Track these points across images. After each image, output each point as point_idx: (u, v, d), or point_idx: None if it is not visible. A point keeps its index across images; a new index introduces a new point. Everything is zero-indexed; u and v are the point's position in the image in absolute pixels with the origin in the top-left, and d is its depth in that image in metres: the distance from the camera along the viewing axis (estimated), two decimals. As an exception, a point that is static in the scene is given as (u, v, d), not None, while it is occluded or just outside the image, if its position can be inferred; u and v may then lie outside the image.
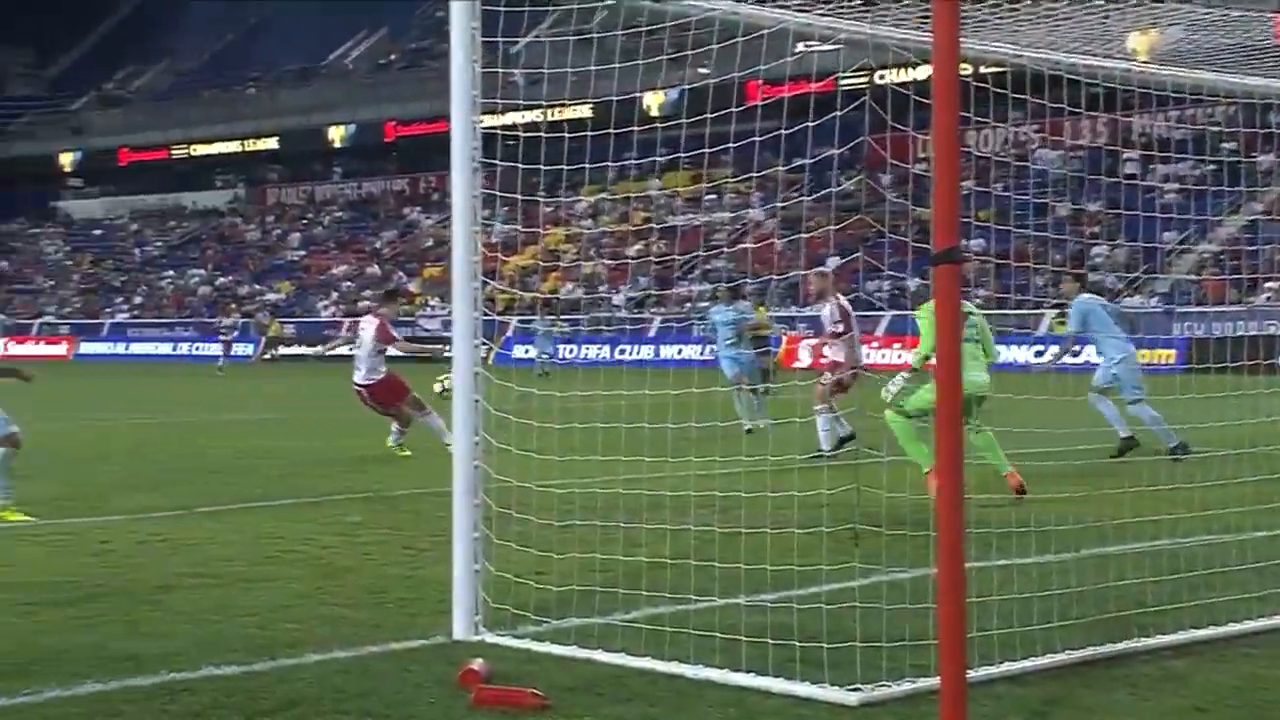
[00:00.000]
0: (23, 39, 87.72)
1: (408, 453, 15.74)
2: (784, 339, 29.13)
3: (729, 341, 19.12)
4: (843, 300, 15.58)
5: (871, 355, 35.28)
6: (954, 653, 4.30)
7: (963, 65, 4.87)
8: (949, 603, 4.33)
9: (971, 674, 5.34)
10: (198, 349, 58.26)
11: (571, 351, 41.97)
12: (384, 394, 16.06)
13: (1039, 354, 36.18)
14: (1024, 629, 6.39)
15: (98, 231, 79.78)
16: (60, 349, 61.17)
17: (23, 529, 10.47)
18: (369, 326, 16.30)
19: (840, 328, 15.09)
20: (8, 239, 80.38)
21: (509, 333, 44.94)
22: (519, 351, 42.68)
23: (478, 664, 5.93)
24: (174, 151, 78.24)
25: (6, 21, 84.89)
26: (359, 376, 16.07)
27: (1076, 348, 14.68)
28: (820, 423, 14.96)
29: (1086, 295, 15.07)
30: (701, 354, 41.48)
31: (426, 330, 54.93)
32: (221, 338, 48.99)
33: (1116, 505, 9.07)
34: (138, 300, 68.12)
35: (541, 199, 8.13)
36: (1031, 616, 6.57)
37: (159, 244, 75.61)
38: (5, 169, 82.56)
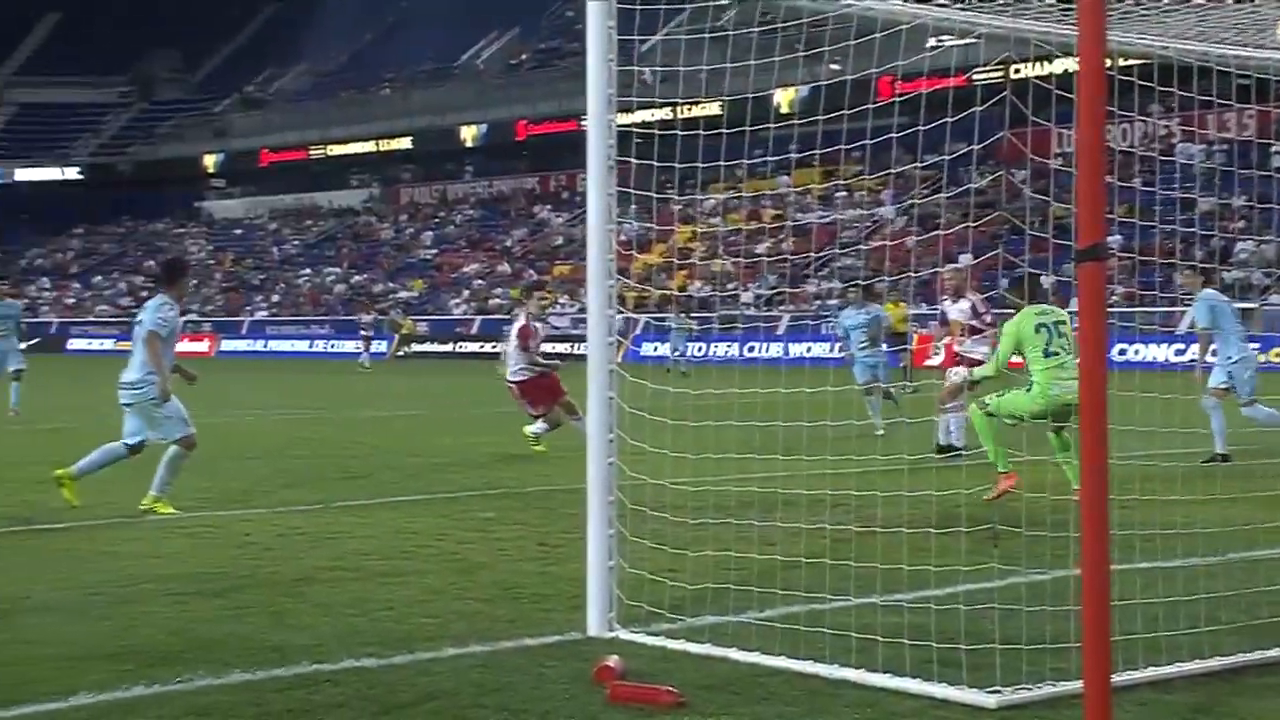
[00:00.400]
0: (171, 44, 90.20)
1: (541, 447, 15.77)
2: (915, 337, 28.77)
3: (862, 345, 18.68)
4: (978, 297, 15.38)
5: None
6: (1098, 655, 4.21)
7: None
8: (1093, 604, 4.24)
9: (1116, 678, 5.23)
10: (333, 346, 59.39)
11: (701, 350, 41.95)
12: (534, 393, 16.03)
13: (1179, 353, 35.33)
14: (1170, 633, 6.24)
15: (238, 231, 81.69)
16: (203, 346, 62.72)
17: (171, 521, 10.76)
18: (514, 325, 16.54)
19: (983, 321, 14.91)
20: (155, 238, 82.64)
21: (638, 330, 45.10)
22: (648, 349, 42.81)
23: (612, 660, 5.95)
24: (311, 152, 79.80)
25: (156, 27, 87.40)
26: (508, 373, 16.22)
27: (1215, 345, 14.26)
28: (953, 421, 14.74)
29: (1210, 290, 14.64)
30: (830, 352, 41.25)
31: (556, 328, 55.36)
32: (362, 334, 49.92)
33: (1268, 507, 8.82)
34: (276, 298, 69.61)
35: (673, 197, 8.13)
36: (1178, 621, 6.42)
37: (296, 243, 77.18)
38: (153, 171, 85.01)
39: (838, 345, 20.34)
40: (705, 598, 7.14)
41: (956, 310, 15.19)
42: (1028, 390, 10.76)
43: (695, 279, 44.90)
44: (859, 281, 20.48)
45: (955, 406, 14.64)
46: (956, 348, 15.34)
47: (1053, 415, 10.69)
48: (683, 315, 38.46)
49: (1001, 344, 11.11)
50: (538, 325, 16.54)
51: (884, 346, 19.08)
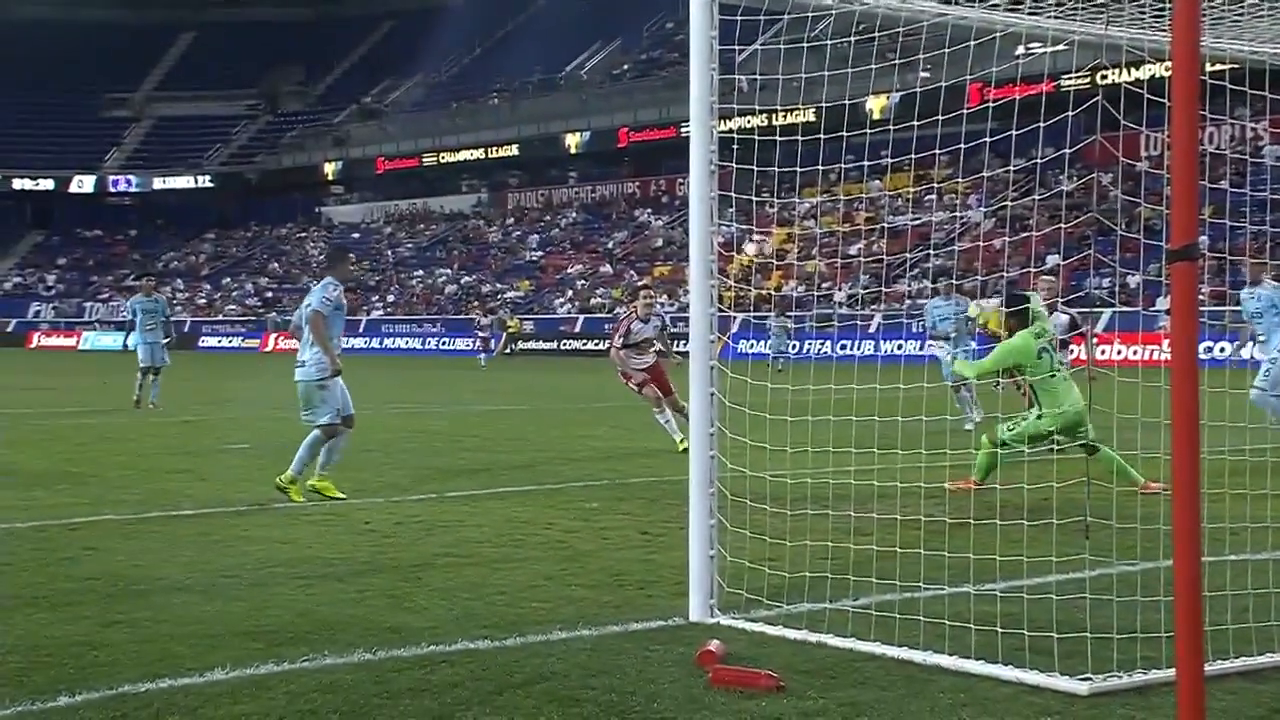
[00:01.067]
0: (295, 59, 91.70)
1: (685, 446, 15.46)
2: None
3: (949, 335, 18.09)
4: (1073, 311, 15.29)
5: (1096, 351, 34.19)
6: (1192, 642, 4.14)
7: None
8: (1186, 592, 4.17)
9: (1208, 667, 5.13)
10: (445, 344, 59.97)
11: (794, 347, 41.78)
12: (659, 380, 15.75)
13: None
14: (1260, 624, 6.11)
15: (355, 235, 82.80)
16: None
17: (297, 509, 10.94)
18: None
19: (1079, 331, 14.83)
20: (279, 243, 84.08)
21: (735, 328, 45.00)
22: (744, 346, 42.70)
23: (714, 645, 5.96)
24: (424, 159, 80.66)
25: (281, 44, 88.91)
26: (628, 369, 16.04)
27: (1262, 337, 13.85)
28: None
29: (1272, 283, 14.22)
30: (920, 349, 40.87)
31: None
32: (479, 334, 50.45)
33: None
34: (390, 298, 70.47)
35: (769, 199, 8.10)
36: (1269, 613, 6.28)
37: (409, 245, 78.04)
38: (277, 179, 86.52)
39: (926, 339, 19.83)
40: (803, 585, 7.12)
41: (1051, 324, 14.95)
42: (1038, 416, 10.66)
43: (790, 279, 44.73)
44: (946, 279, 19.70)
45: None
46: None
47: (1064, 432, 10.48)
48: (784, 315, 38.26)
49: (994, 358, 10.99)
50: (639, 324, 16.21)
51: (972, 343, 18.45)
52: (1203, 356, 4.41)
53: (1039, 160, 6.58)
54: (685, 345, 7.38)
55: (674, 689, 5.54)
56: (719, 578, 6.87)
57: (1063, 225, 7.43)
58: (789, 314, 39.20)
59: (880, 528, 8.02)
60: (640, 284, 18.95)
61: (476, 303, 60.90)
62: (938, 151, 7.40)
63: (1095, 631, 5.89)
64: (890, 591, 6.96)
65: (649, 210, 70.54)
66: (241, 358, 57.76)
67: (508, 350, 54.90)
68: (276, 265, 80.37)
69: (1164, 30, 6.48)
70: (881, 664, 5.90)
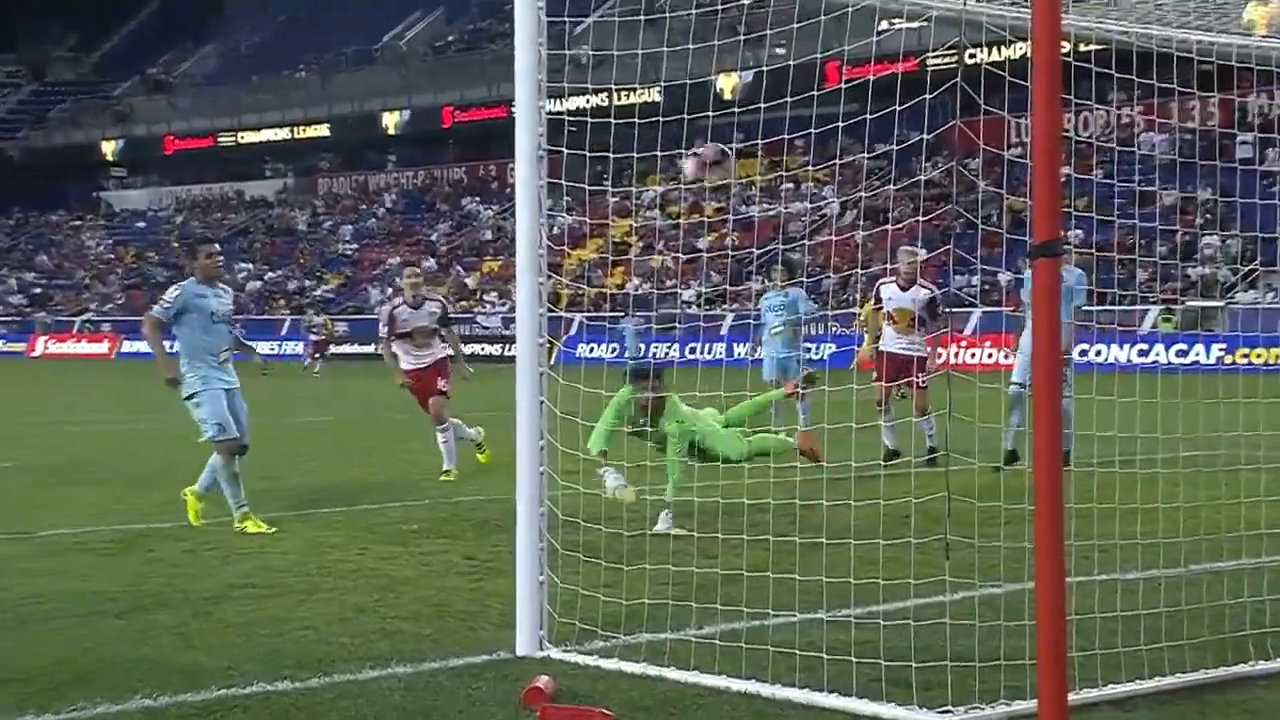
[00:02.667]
0: (64, 21, 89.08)
1: (483, 456, 15.29)
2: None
3: (775, 331, 16.70)
4: (936, 290, 15.48)
5: (961, 355, 34.97)
6: (1054, 672, 4.28)
7: (1062, 42, 4.84)
8: (1049, 618, 4.31)
9: (1073, 696, 5.30)
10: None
11: (642, 350, 41.98)
12: (426, 387, 14.96)
13: (1142, 354, 35.74)
14: (1130, 649, 6.33)
15: (141, 224, 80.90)
16: (102, 347, 62.01)
17: (68, 537, 10.64)
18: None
19: (934, 315, 15.01)
20: (50, 231, 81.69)
21: (572, 330, 45.09)
22: (583, 350, 42.81)
23: (543, 681, 5.96)
24: (221, 139, 79.17)
25: (46, 3, 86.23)
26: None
27: None
28: (925, 425, 14.74)
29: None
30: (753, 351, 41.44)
31: (486, 328, 55.23)
32: (312, 336, 49.10)
33: (1231, 517, 8.95)
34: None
35: (608, 188, 8.15)
36: (1138, 636, 6.51)
37: (205, 236, 76.53)
38: (47, 158, 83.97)
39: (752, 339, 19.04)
40: (642, 614, 7.16)
41: (909, 299, 15.13)
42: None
43: (632, 276, 44.98)
44: (778, 266, 17.91)
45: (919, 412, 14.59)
46: (891, 343, 15.23)
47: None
48: (641, 315, 38.23)
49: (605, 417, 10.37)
50: (407, 310, 14.98)
51: (796, 347, 16.77)
52: (1080, 360, 4.54)
53: (895, 147, 6.73)
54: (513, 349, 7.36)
55: (498, 731, 5.53)
56: (549, 606, 6.88)
57: (921, 218, 7.60)
58: (638, 314, 39.38)
59: (726, 549, 8.11)
60: (406, 261, 17.71)
61: (308, 301, 59.79)
62: (788, 136, 7.52)
63: (956, 659, 6.03)
64: (737, 619, 7.04)
65: (477, 198, 70.28)
66: (5, 364, 55.98)
67: (316, 355, 54.14)
68: (46, 258, 78.05)
69: (1026, 7, 6.68)
70: (728, 698, 5.97)
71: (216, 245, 11.83)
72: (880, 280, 15.36)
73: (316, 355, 46.68)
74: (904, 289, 15.08)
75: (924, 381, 14.50)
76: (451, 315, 15.66)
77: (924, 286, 15.17)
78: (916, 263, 15.31)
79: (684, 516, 9.19)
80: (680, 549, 8.24)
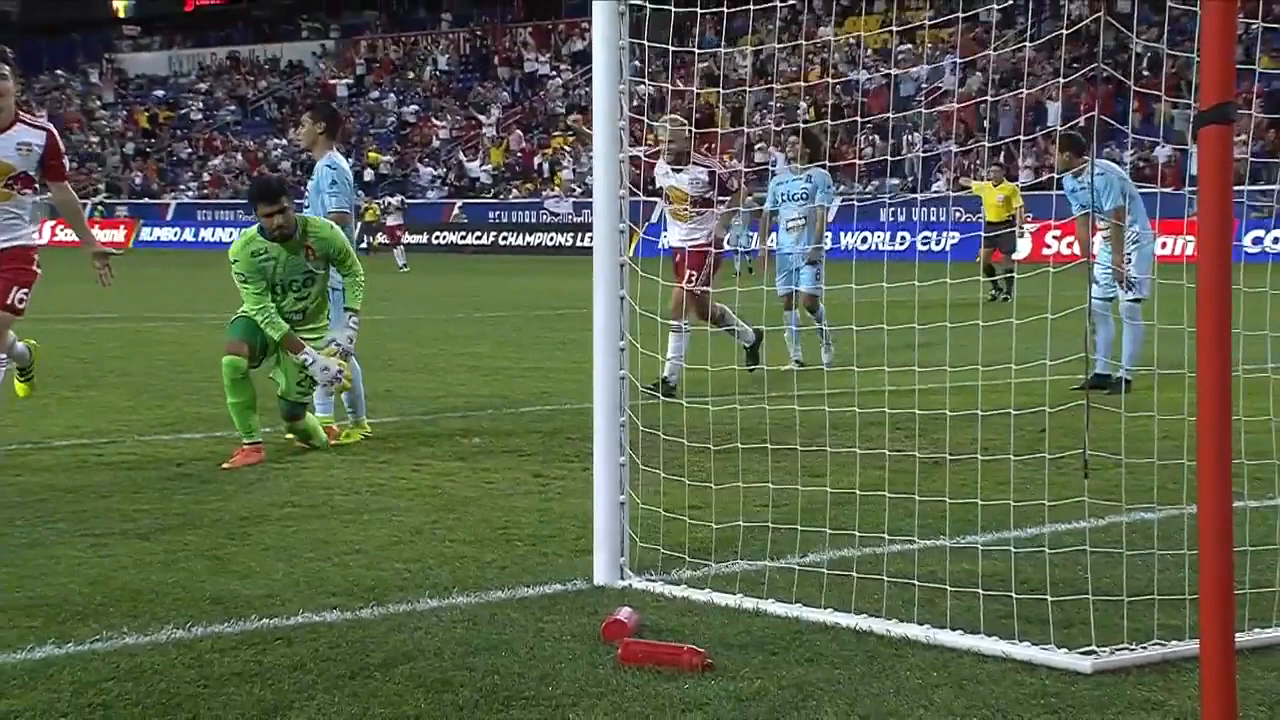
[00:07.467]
0: None
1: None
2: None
3: (791, 224, 15.88)
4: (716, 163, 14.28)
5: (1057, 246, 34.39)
6: (1220, 610, 4.24)
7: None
8: (1213, 548, 4.26)
9: (1243, 637, 5.28)
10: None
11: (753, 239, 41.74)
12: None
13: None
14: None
15: (160, 92, 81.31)
16: (119, 234, 62.62)
17: (86, 449, 10.84)
18: None
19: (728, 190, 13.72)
20: (52, 96, 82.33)
21: (654, 218, 44.97)
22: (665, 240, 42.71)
23: (624, 614, 6.02)
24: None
25: None
26: None
27: None
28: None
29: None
30: (890, 243, 41.06)
31: (555, 214, 55.30)
32: (389, 221, 48.10)
33: None
34: (206, 176, 69.51)
35: (696, 50, 8.07)
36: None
37: (231, 107, 76.87)
38: (47, 13, 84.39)
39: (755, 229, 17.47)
40: (736, 539, 7.20)
41: (685, 180, 13.68)
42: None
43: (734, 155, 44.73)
44: (798, 142, 16.74)
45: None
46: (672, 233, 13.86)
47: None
48: (751, 197, 37.34)
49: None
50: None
51: (826, 241, 16.07)
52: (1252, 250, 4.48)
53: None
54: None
55: (573, 669, 5.60)
56: (630, 530, 6.93)
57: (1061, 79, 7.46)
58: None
59: (835, 466, 8.12)
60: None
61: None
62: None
63: (1101, 594, 6.02)
64: (847, 546, 7.07)
65: (547, 62, 70.11)
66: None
67: (363, 245, 54.35)
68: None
69: None
70: (835, 636, 6.00)
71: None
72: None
73: (397, 244, 46.45)
74: (676, 167, 13.72)
75: (696, 282, 12.44)
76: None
77: (700, 165, 13.78)
78: (683, 134, 13.73)
79: (784, 429, 9.19)
80: (780, 466, 8.25)
